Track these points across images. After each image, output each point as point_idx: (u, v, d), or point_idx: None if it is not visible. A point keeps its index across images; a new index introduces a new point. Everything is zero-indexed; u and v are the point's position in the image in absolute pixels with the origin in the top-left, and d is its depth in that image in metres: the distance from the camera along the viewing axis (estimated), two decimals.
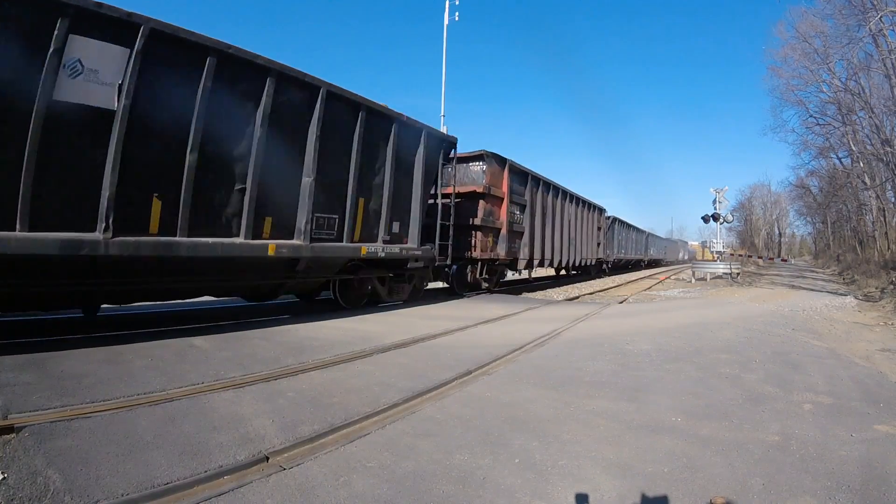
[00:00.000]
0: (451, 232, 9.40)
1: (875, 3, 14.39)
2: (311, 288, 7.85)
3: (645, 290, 15.86)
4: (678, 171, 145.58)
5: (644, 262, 32.37)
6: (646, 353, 5.04)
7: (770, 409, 3.31)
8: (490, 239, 11.32)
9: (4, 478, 2.07)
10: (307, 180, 6.34)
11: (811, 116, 24.43)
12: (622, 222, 25.88)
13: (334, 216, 6.86)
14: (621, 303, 11.52)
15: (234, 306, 8.07)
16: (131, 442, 2.52)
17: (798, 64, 22.13)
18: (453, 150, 9.49)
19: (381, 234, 7.64)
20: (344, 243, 7.01)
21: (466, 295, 10.86)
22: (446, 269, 10.54)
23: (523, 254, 12.69)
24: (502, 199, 11.58)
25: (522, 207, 12.71)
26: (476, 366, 4.35)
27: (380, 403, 3.28)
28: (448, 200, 9.40)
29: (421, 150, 8.37)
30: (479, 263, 11.12)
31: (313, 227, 6.48)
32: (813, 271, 30.58)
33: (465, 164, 11.04)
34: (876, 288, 13.57)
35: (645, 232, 33.09)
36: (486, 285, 11.75)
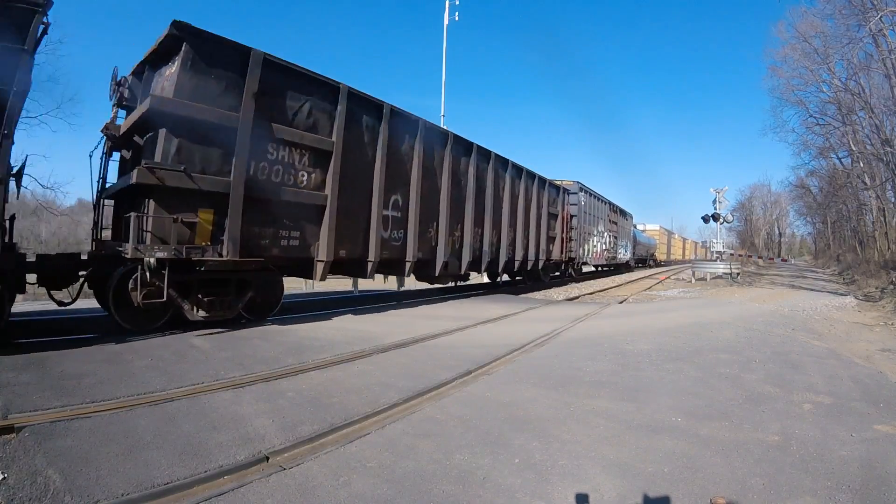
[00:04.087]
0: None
1: (875, 3, 14.38)
2: None
3: (645, 290, 15.86)
4: (678, 171, 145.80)
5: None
6: (646, 353, 5.04)
7: (770, 409, 3.31)
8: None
9: (4, 478, 2.07)
10: None
11: (811, 116, 24.46)
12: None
13: None
14: (621, 303, 11.51)
15: None
16: (131, 442, 2.52)
17: (798, 64, 22.16)
18: None
19: None
20: None
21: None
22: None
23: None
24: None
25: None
26: (476, 366, 4.35)
27: (380, 403, 3.28)
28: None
29: None
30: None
31: None
32: (813, 271, 30.55)
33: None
34: (876, 288, 13.56)
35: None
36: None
